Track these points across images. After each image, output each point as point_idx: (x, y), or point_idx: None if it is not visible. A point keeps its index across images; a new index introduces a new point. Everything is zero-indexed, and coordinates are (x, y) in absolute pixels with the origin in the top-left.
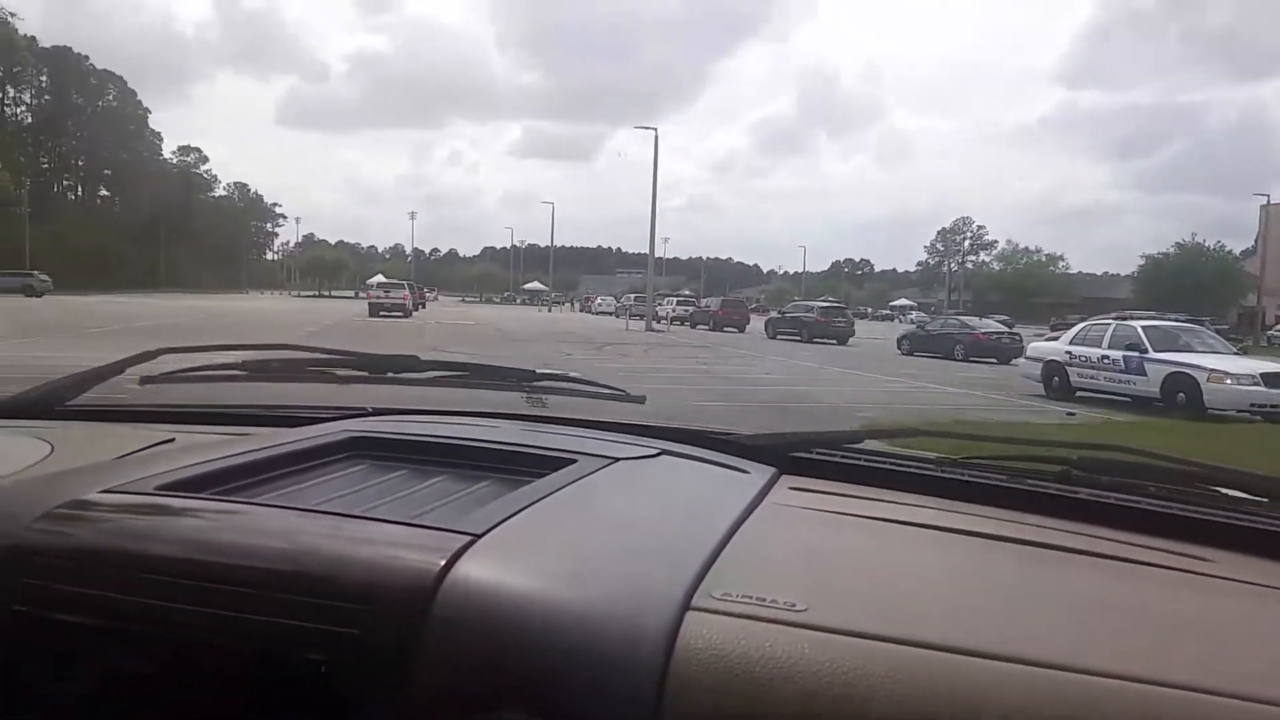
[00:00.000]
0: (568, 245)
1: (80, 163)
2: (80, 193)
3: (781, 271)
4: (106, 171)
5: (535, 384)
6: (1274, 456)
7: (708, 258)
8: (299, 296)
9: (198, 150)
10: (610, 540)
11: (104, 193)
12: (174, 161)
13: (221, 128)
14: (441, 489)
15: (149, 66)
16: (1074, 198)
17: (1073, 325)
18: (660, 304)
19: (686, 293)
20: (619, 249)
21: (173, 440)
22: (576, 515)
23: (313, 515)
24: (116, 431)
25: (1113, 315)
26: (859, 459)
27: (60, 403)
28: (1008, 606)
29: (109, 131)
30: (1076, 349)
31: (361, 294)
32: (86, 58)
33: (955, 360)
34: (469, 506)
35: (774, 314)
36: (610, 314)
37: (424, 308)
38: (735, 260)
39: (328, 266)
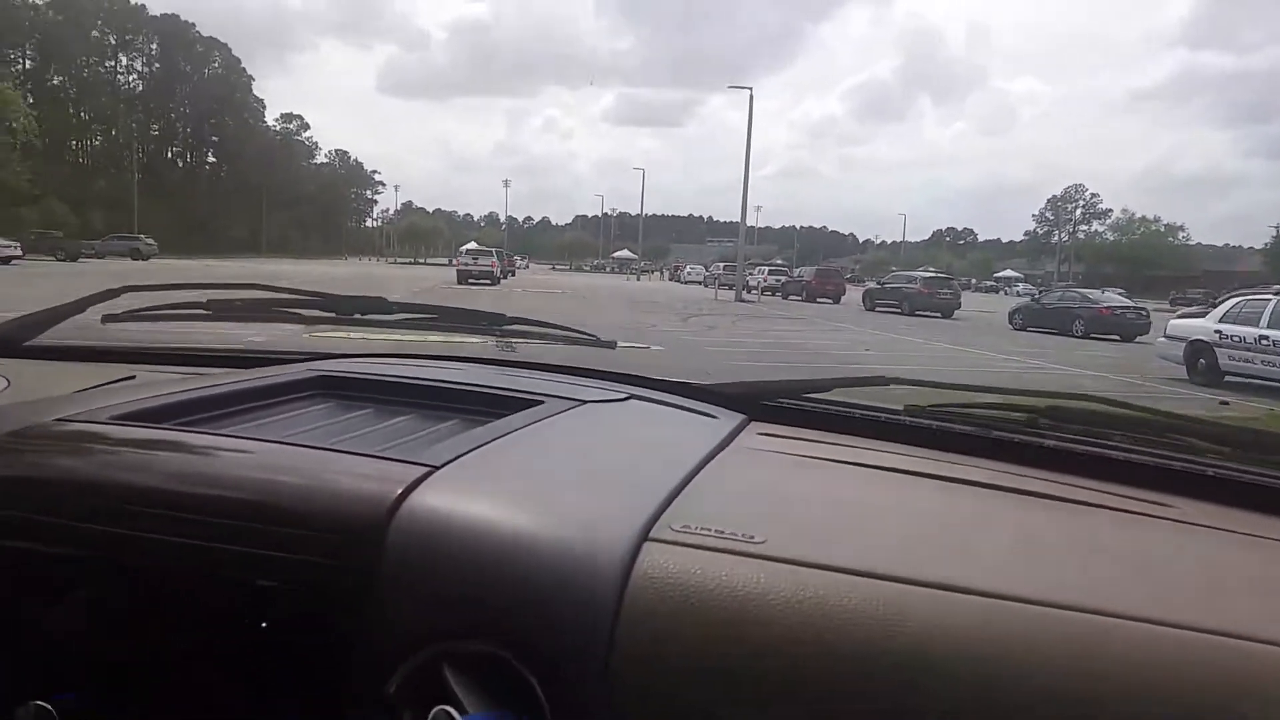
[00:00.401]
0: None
1: (188, 130)
2: (190, 159)
3: (879, 241)
4: (213, 138)
5: (505, 328)
6: None
7: (800, 226)
8: (395, 263)
9: (299, 117)
10: (571, 474)
11: (211, 159)
12: (276, 129)
13: (323, 96)
14: (405, 426)
15: (256, 37)
16: (1189, 166)
17: (1194, 300)
18: (751, 273)
19: (778, 262)
20: (710, 217)
21: (133, 378)
22: (538, 451)
23: (273, 446)
24: (77, 369)
25: (1272, 290)
26: (828, 407)
27: (22, 341)
28: (963, 541)
29: (215, 99)
30: (1228, 328)
31: (454, 261)
32: (193, 24)
33: (1073, 336)
34: (430, 441)
35: (872, 284)
36: (699, 283)
37: (513, 275)
38: (829, 229)
39: (423, 234)
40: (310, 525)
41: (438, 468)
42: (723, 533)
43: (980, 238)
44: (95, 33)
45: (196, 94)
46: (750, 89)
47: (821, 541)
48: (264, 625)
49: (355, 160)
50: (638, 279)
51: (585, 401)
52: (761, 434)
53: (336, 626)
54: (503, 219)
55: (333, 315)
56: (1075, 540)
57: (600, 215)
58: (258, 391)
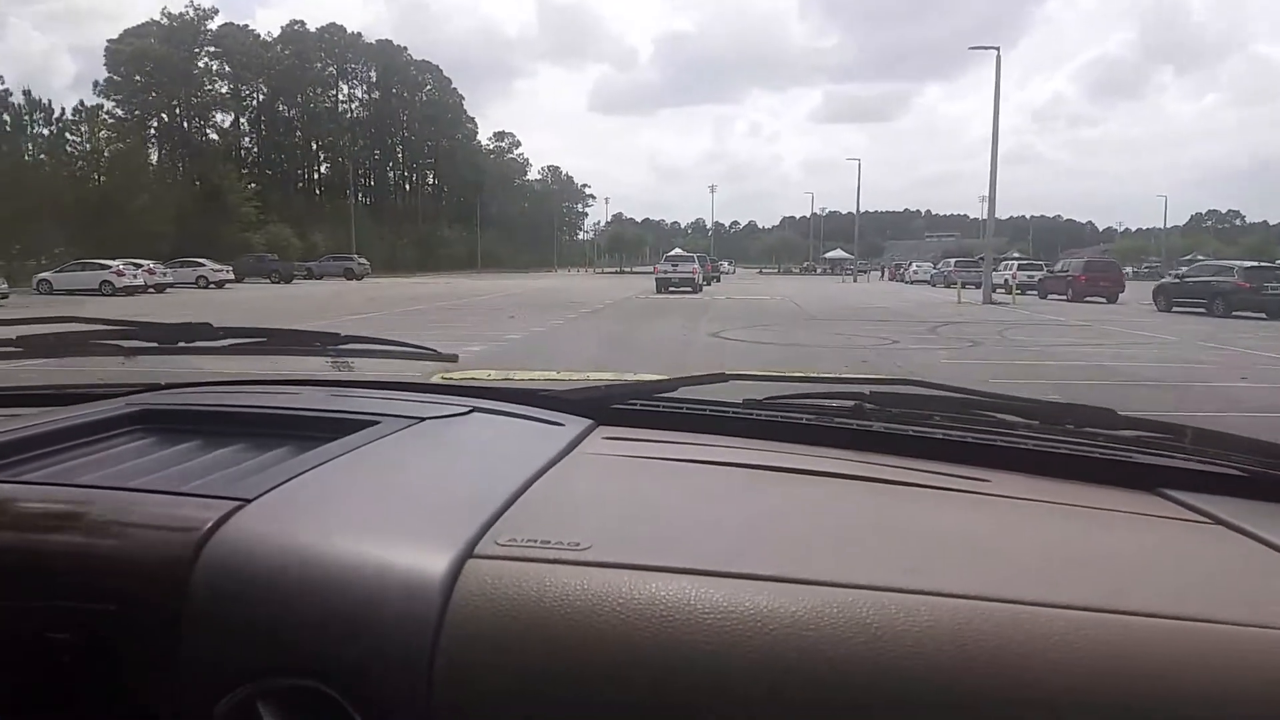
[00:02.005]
0: (870, 210)
1: (406, 153)
2: (408, 180)
3: (1122, 228)
4: (429, 159)
5: (340, 347)
6: None
7: (1030, 216)
8: (600, 273)
9: (511, 135)
10: (397, 497)
11: (428, 180)
12: (489, 147)
13: (538, 118)
14: (229, 458)
15: (479, 68)
16: None
17: None
18: (995, 269)
19: (1015, 255)
20: (927, 211)
21: None
22: (366, 474)
23: (74, 490)
24: None
25: None
26: (673, 406)
27: None
28: (791, 531)
29: (430, 121)
30: None
31: (655, 268)
32: (404, 49)
33: None
34: (249, 473)
35: (1168, 279)
36: (926, 282)
37: (718, 281)
38: (1064, 218)
39: (628, 242)
40: (107, 572)
41: (250, 500)
42: (548, 543)
43: (1248, 220)
44: (319, 64)
45: (413, 117)
46: (997, 49)
47: (648, 543)
48: (61, 678)
49: (566, 175)
50: (854, 280)
51: (424, 419)
52: (607, 438)
53: (142, 673)
54: (709, 225)
55: (154, 345)
56: (898, 522)
57: (810, 215)
58: (69, 432)
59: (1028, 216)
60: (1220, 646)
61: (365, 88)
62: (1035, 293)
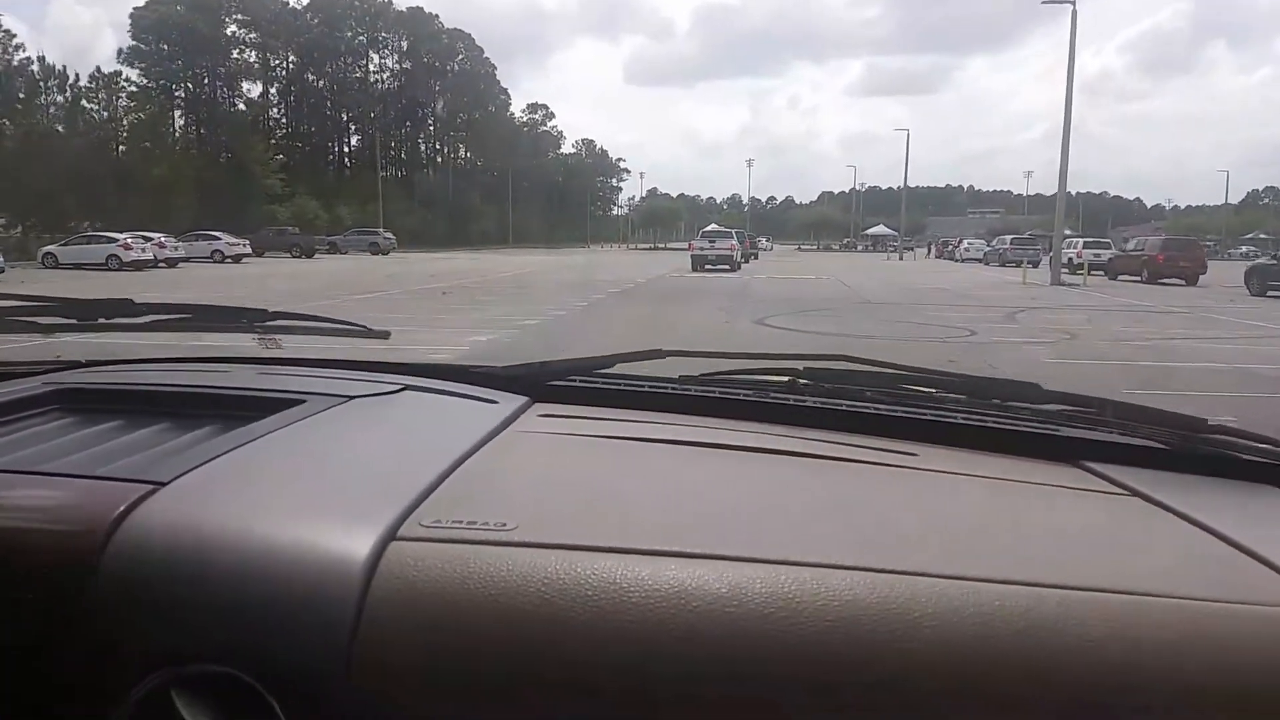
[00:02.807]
0: (911, 186)
1: (437, 124)
2: (439, 152)
3: (1170, 205)
4: (462, 132)
5: (268, 324)
6: None
7: (1077, 192)
8: (634, 249)
9: (544, 107)
10: (319, 478)
11: (459, 152)
12: (523, 119)
13: (574, 91)
14: (148, 439)
15: (516, 41)
16: None
17: None
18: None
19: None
20: (970, 186)
21: None
22: (287, 455)
23: None
24: None
25: None
26: (609, 383)
27: None
28: (719, 508)
29: (462, 91)
30: None
31: (690, 245)
32: (436, 16)
33: None
34: (167, 454)
35: (1262, 260)
36: (978, 260)
37: (756, 258)
38: (1111, 194)
39: (663, 217)
40: (16, 557)
41: (165, 484)
42: (474, 523)
43: None
44: (349, 33)
45: (444, 88)
46: (1073, 3)
47: (575, 522)
48: None
49: (601, 148)
50: (900, 258)
51: (353, 397)
52: (542, 415)
53: (55, 660)
54: (745, 200)
55: (73, 322)
56: (824, 498)
57: (853, 189)
58: None
59: (1074, 193)
60: (1131, 617)
61: (396, 57)
62: (1101, 273)
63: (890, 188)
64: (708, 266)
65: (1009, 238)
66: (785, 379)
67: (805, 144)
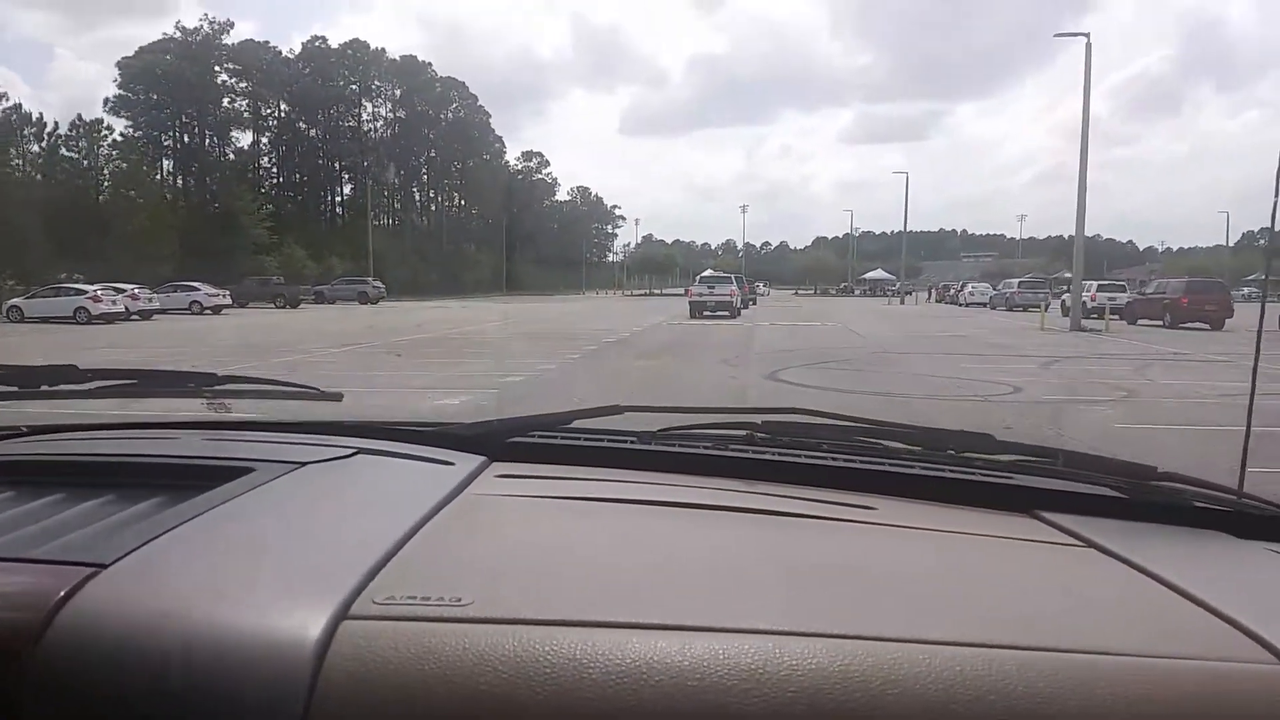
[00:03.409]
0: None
1: (428, 174)
2: (433, 201)
3: (1163, 247)
4: (457, 179)
5: (217, 388)
6: None
7: (1068, 235)
8: (629, 295)
9: (539, 155)
10: (270, 554)
11: (453, 200)
12: (517, 167)
13: (570, 140)
14: (90, 514)
15: (513, 91)
16: None
17: None
18: (1068, 290)
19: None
20: (963, 231)
21: None
22: (236, 530)
23: None
24: None
25: None
26: (568, 439)
27: None
28: (681, 574)
29: (456, 139)
30: None
31: (688, 291)
32: (429, 64)
33: None
34: (110, 532)
35: None
36: (984, 304)
37: (754, 304)
38: (1103, 237)
39: (658, 263)
40: None
41: (106, 565)
42: (428, 599)
43: None
44: (341, 81)
45: (438, 136)
46: (1087, 35)
47: (537, 594)
48: None
49: (596, 195)
50: (900, 302)
51: (304, 464)
52: (500, 475)
53: None
54: (740, 245)
55: (14, 390)
56: (786, 561)
57: (843, 235)
58: None
59: (1065, 236)
60: (1089, 676)
61: (389, 106)
62: (1116, 317)
63: (884, 232)
64: (706, 313)
65: (1015, 281)
66: (743, 432)
67: (799, 190)
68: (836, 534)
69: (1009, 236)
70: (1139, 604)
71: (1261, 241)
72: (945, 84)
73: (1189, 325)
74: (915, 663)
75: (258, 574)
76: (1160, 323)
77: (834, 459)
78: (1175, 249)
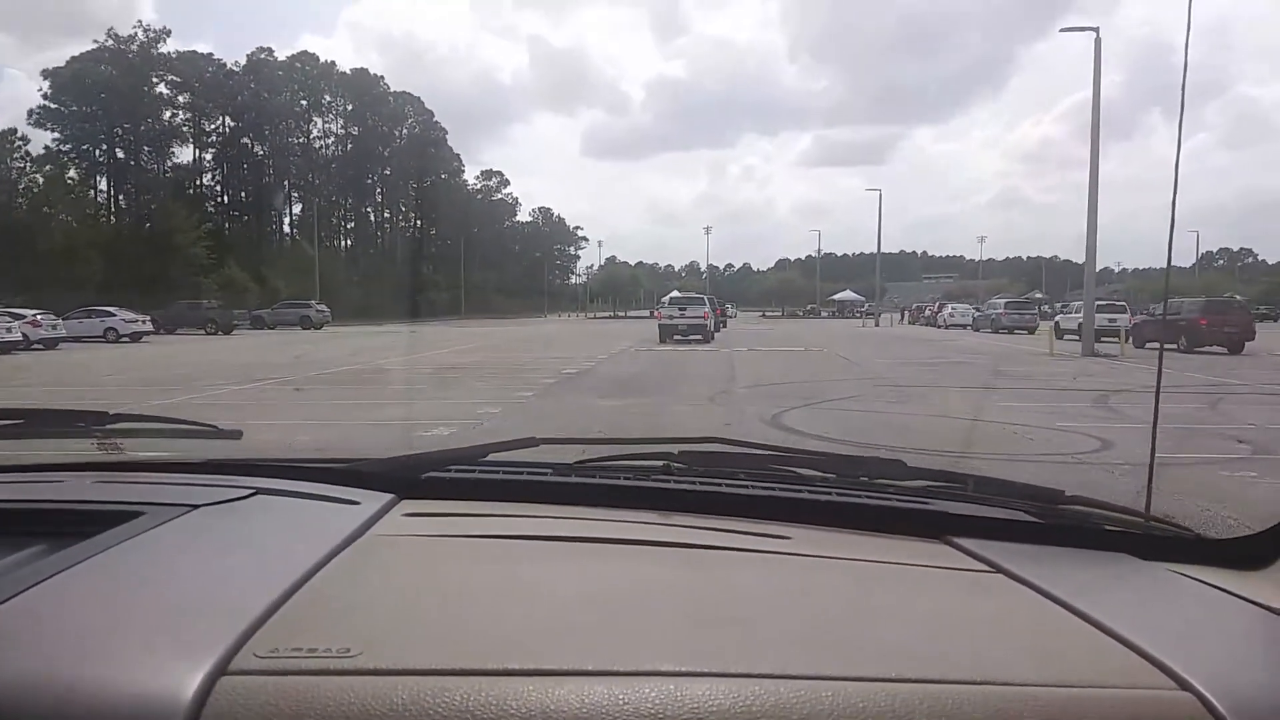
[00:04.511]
0: (867, 251)
1: (382, 193)
2: (393, 222)
3: (1119, 268)
4: (414, 199)
5: (109, 427)
6: None
7: (1026, 257)
8: (593, 318)
9: (499, 174)
10: (149, 607)
11: (407, 220)
12: (477, 186)
13: (532, 163)
14: None
15: (474, 114)
16: None
17: None
18: (1066, 312)
19: (1038, 294)
20: (923, 252)
21: None
22: (114, 581)
23: None
24: None
25: None
26: (482, 473)
27: None
28: (586, 616)
29: (412, 157)
30: None
31: (654, 313)
32: (381, 78)
33: None
34: None
35: None
36: (964, 326)
37: (724, 327)
38: (1061, 258)
39: (622, 285)
40: None
41: None
42: (315, 651)
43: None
44: (289, 95)
45: (393, 153)
46: (1096, 30)
47: (433, 641)
48: None
49: (558, 216)
50: (875, 324)
51: (197, 506)
52: (408, 514)
53: None
54: (703, 267)
55: None
56: (696, 597)
57: (815, 255)
58: None
59: (1024, 257)
60: (995, 708)
61: (341, 121)
62: (1113, 340)
63: (846, 254)
64: (677, 337)
65: (1002, 302)
66: (660, 463)
67: (761, 212)
68: (749, 567)
69: (968, 258)
70: (1046, 632)
71: (1221, 262)
72: (902, 108)
73: (1206, 349)
74: (819, 700)
75: (133, 628)
76: (1178, 346)
77: (750, 487)
78: (1130, 269)
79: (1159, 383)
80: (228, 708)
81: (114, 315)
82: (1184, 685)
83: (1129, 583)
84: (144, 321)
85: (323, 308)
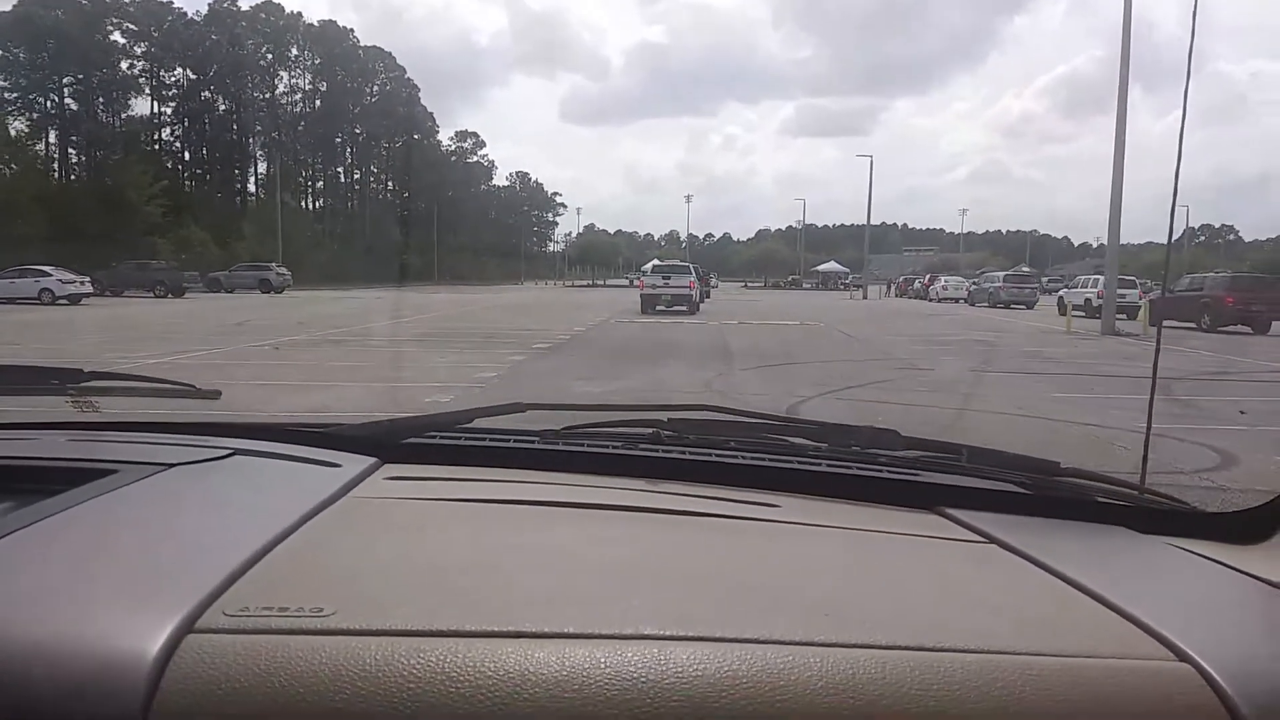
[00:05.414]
0: (847, 223)
1: (351, 153)
2: (364, 183)
3: (1097, 244)
4: (383, 159)
5: (83, 385)
6: None
7: (1006, 231)
8: (571, 286)
9: (474, 135)
10: (118, 562)
11: (386, 182)
12: (451, 148)
13: (510, 127)
14: None
15: (451, 76)
16: None
17: None
18: (1071, 285)
19: (1024, 268)
20: (904, 225)
21: None
22: (86, 535)
23: None
24: None
25: None
26: (466, 439)
27: None
28: (570, 579)
29: (383, 115)
30: None
31: (635, 281)
32: (351, 31)
33: None
34: None
35: None
36: (957, 300)
37: (708, 298)
38: (1040, 233)
39: (601, 253)
40: None
41: None
42: (287, 610)
43: (1242, 236)
44: (252, 47)
45: (364, 112)
46: None
47: (410, 603)
48: None
49: (536, 181)
50: (863, 296)
51: (173, 465)
52: (391, 478)
53: None
54: (683, 236)
55: None
56: (684, 563)
57: (798, 225)
58: None
59: (1004, 231)
60: (988, 677)
61: (309, 77)
62: (1125, 317)
63: (827, 225)
64: (660, 307)
65: (1000, 274)
66: (649, 430)
67: (742, 182)
68: (738, 534)
69: (949, 231)
70: (1041, 602)
71: (1202, 239)
72: (884, 79)
73: (1228, 329)
74: (806, 666)
75: (100, 584)
76: (1193, 325)
77: (740, 457)
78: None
79: (1157, 357)
80: (193, 666)
81: (49, 275)
82: (1183, 657)
83: (1126, 555)
84: (83, 283)
85: (283, 270)
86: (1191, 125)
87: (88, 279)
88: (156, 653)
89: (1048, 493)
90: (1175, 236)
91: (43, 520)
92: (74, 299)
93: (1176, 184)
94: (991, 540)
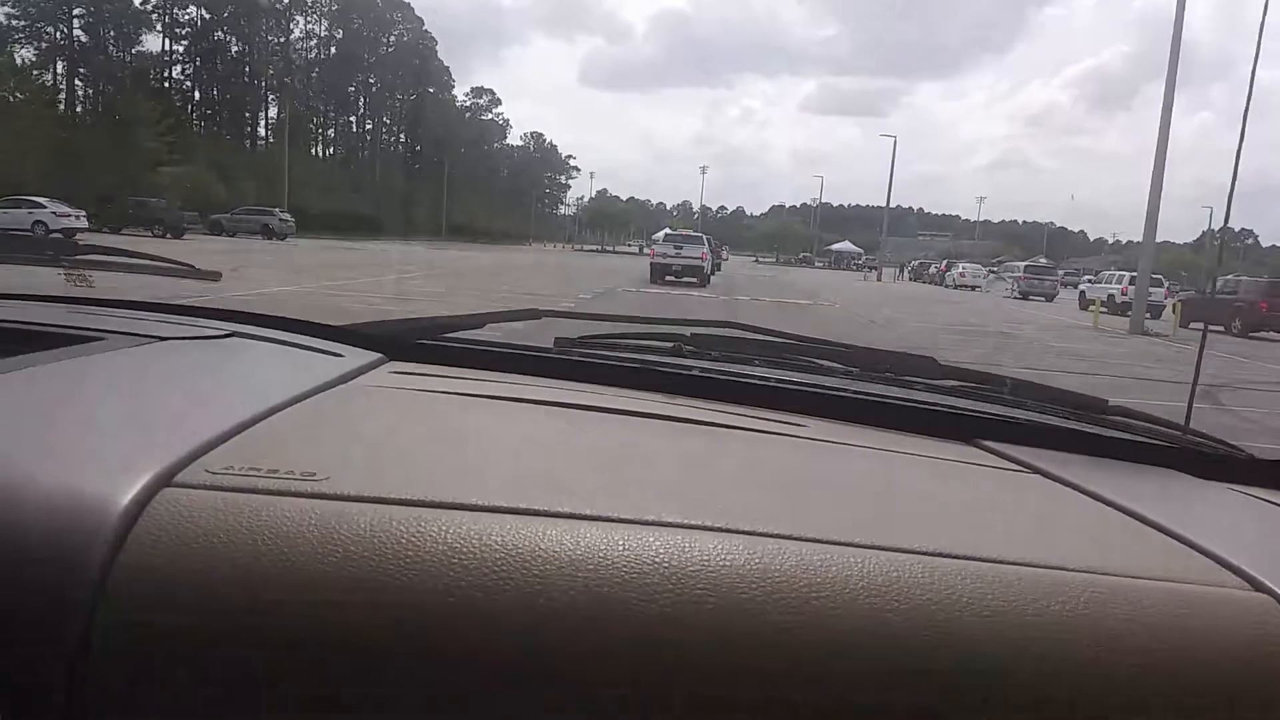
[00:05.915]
0: (862, 204)
1: (364, 103)
2: (375, 134)
3: (1113, 239)
4: (398, 112)
5: (79, 258)
6: None
7: (1023, 221)
8: (579, 250)
9: (490, 92)
10: (98, 418)
11: (398, 134)
12: (466, 103)
13: (527, 87)
14: None
15: (468, 32)
16: None
17: None
18: (1094, 279)
19: (1041, 260)
20: (919, 209)
21: None
22: (64, 390)
23: None
24: None
25: None
26: (478, 345)
27: None
28: (579, 467)
29: (399, 66)
30: None
31: (645, 249)
32: None
33: None
34: None
35: None
36: (976, 288)
37: (719, 270)
38: (1056, 225)
39: (613, 219)
40: None
41: None
42: (276, 472)
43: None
44: None
45: (379, 62)
46: None
47: (409, 476)
48: None
49: (550, 143)
50: (878, 278)
51: (165, 339)
52: (395, 372)
53: None
54: (696, 207)
55: None
56: (703, 460)
57: (814, 202)
58: None
59: (1020, 221)
60: (1037, 590)
61: (325, 23)
62: (1149, 315)
63: (841, 205)
64: (670, 277)
65: (1020, 265)
66: (670, 344)
67: (758, 156)
68: (763, 444)
69: (964, 218)
70: (1097, 527)
71: (1218, 241)
72: (906, 62)
73: (1264, 334)
74: (846, 565)
75: (76, 434)
76: (1222, 329)
77: (765, 375)
78: (1125, 241)
79: (1205, 325)
80: (168, 519)
81: (44, 208)
82: (1259, 587)
83: (1184, 494)
84: (78, 217)
85: (287, 216)
86: (1221, 128)
87: (83, 213)
88: (127, 503)
89: (1094, 429)
90: (1194, 238)
91: (22, 370)
92: (68, 233)
93: (1232, 190)
94: (1035, 470)
